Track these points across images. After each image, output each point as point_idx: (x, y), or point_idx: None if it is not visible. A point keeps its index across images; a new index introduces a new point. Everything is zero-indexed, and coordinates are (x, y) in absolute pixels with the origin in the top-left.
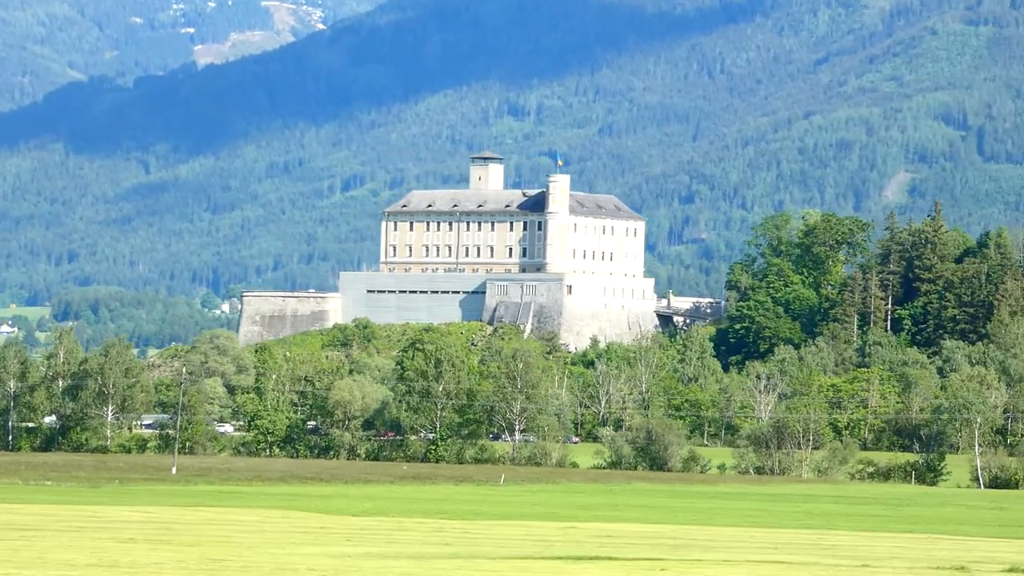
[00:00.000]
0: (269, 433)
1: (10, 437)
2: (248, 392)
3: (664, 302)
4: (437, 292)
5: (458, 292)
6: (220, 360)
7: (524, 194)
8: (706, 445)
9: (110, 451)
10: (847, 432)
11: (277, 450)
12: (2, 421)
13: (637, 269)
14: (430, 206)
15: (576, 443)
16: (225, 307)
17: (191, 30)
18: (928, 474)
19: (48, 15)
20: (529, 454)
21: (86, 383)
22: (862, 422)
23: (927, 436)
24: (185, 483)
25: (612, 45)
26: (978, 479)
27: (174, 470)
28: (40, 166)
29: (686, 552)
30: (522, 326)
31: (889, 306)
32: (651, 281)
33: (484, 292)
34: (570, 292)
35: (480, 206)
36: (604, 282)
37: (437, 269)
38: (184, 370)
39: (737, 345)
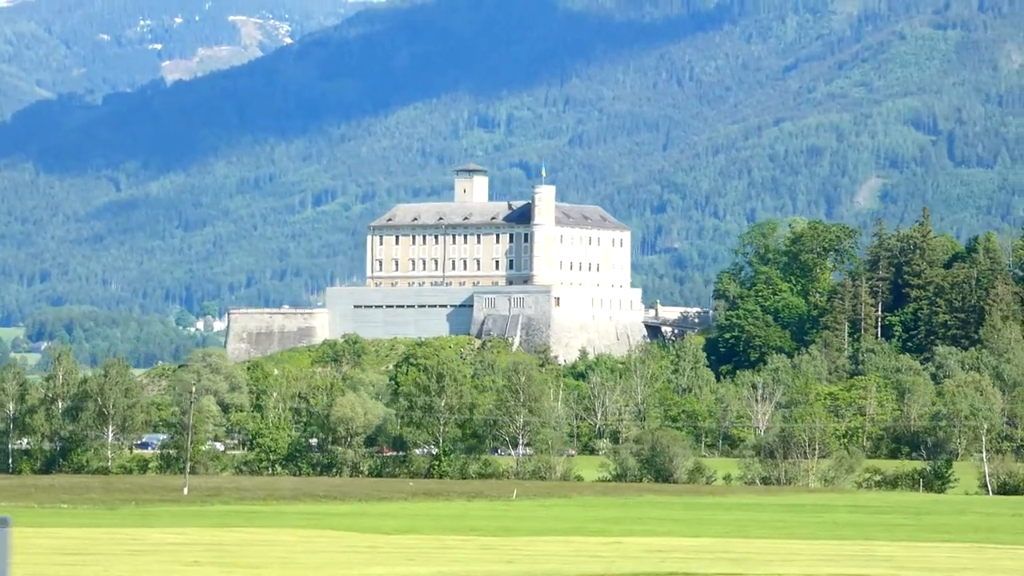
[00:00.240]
0: (271, 451)
1: (10, 460)
2: (242, 410)
3: (652, 312)
4: (424, 306)
5: (445, 306)
6: (213, 378)
7: (510, 206)
8: (704, 456)
9: (111, 472)
10: (846, 440)
11: (279, 468)
12: (1, 444)
13: (624, 279)
14: (415, 220)
15: (573, 456)
16: (200, 324)
17: (158, 46)
18: (936, 481)
19: (15, 33)
20: (533, 468)
21: (86, 404)
22: (860, 430)
23: (930, 443)
24: (200, 503)
25: (581, 55)
26: (986, 485)
27: (185, 491)
28: (10, 185)
29: (756, 567)
30: (510, 339)
31: (879, 313)
32: (638, 291)
33: (472, 305)
34: (558, 304)
35: (466, 219)
36: (592, 293)
37: (424, 283)
38: (193, 389)
39: (727, 354)
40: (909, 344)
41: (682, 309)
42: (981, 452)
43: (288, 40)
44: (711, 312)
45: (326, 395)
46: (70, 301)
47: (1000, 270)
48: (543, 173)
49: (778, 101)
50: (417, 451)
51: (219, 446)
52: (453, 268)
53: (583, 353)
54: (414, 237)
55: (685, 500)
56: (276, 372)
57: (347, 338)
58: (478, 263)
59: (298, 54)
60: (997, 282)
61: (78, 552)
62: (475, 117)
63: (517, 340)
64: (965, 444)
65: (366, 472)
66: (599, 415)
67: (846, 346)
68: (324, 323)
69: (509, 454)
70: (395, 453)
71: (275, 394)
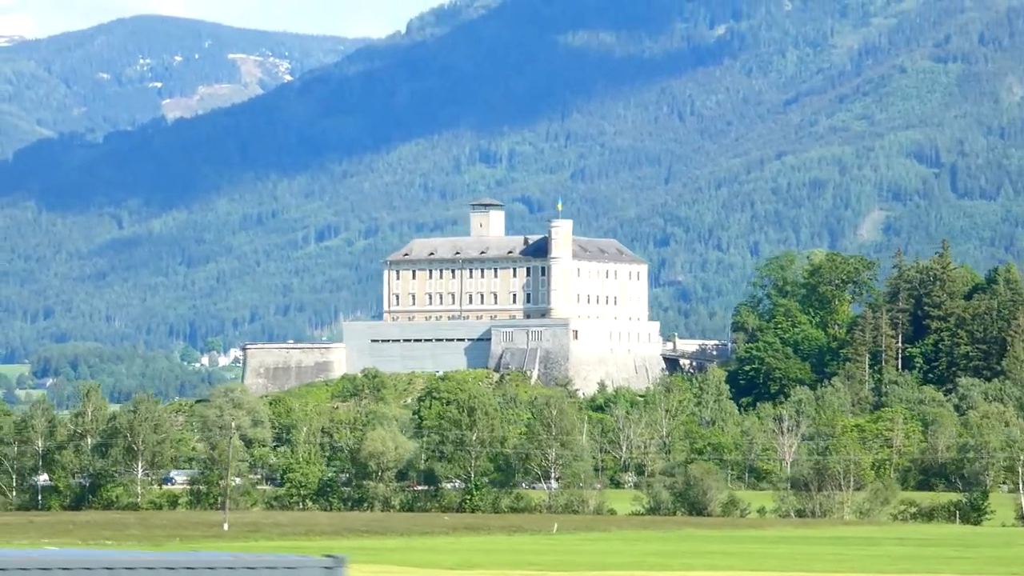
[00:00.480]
0: (302, 486)
1: (39, 496)
2: (264, 445)
3: (670, 345)
4: (442, 340)
5: (463, 340)
6: (235, 413)
7: (526, 240)
8: (731, 488)
9: (140, 508)
10: (874, 472)
11: (310, 503)
12: (32, 480)
13: (641, 312)
14: (432, 254)
15: (599, 489)
16: (205, 360)
17: (159, 84)
18: (972, 513)
19: (15, 73)
20: (565, 501)
21: (115, 440)
22: (887, 462)
23: (966, 475)
24: (244, 539)
25: (582, 90)
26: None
27: (226, 526)
28: (13, 224)
29: None
30: (528, 372)
31: (900, 344)
32: (656, 324)
33: (489, 339)
34: (576, 337)
35: (482, 253)
36: (610, 326)
37: (441, 317)
38: (232, 425)
39: (747, 387)
40: (930, 375)
41: (700, 342)
42: (1017, 483)
43: (288, 77)
44: (729, 344)
45: (349, 430)
46: (74, 338)
47: (1021, 301)
48: (559, 207)
49: (780, 135)
50: (449, 485)
51: (237, 480)
52: (470, 302)
53: (602, 386)
54: (431, 271)
55: (727, 533)
56: (296, 407)
57: (367, 372)
58: (495, 297)
59: (299, 91)
60: (1018, 313)
61: None
62: (477, 152)
63: (535, 373)
64: (993, 476)
65: (397, 506)
66: (624, 448)
67: (867, 378)
68: (341, 358)
69: (533, 487)
70: (425, 487)
71: (305, 429)
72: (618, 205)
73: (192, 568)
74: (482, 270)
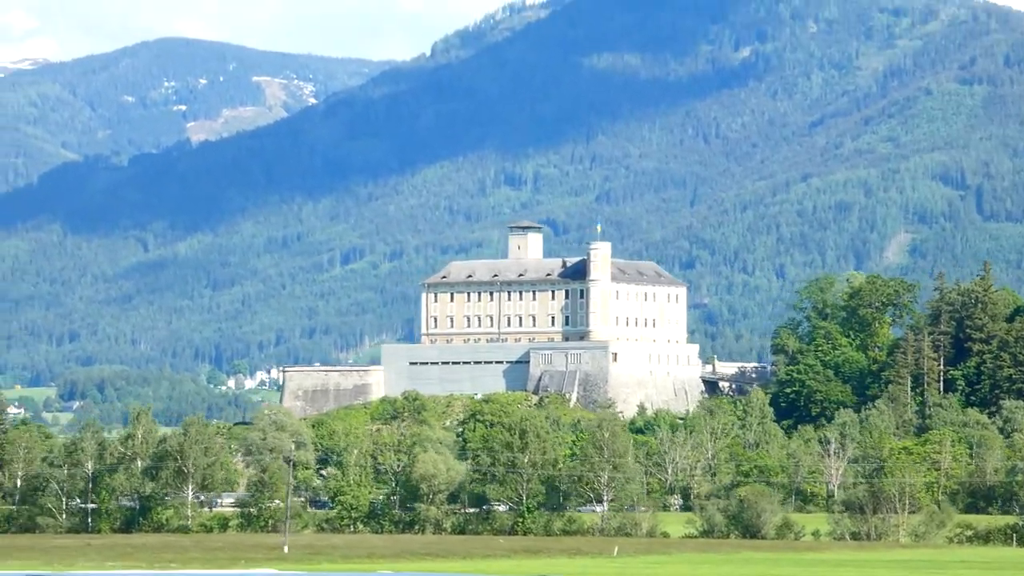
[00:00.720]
0: (352, 509)
1: (88, 519)
2: (308, 467)
3: (709, 368)
4: (480, 363)
5: (501, 362)
6: (279, 436)
7: (564, 263)
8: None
9: (191, 531)
10: (928, 494)
11: (361, 525)
12: (82, 503)
13: (680, 335)
14: (470, 276)
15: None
16: (231, 383)
17: (183, 107)
18: None
19: (40, 95)
20: (619, 524)
21: (165, 463)
22: (935, 484)
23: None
24: (308, 562)
25: (607, 113)
26: None
27: (286, 549)
28: (38, 247)
29: None
30: (567, 395)
31: (942, 367)
32: (696, 347)
33: (528, 362)
34: (615, 359)
35: (520, 275)
36: (649, 349)
37: (479, 339)
38: (293, 448)
39: (788, 409)
40: (972, 398)
41: (739, 364)
42: None
43: (312, 100)
44: (769, 367)
45: (394, 452)
46: (100, 361)
47: None
48: (598, 229)
49: (805, 157)
50: (500, 508)
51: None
52: (508, 324)
53: (641, 408)
54: (468, 294)
55: (788, 556)
56: (339, 429)
57: (407, 395)
58: (533, 319)
59: (324, 114)
60: None
61: None
62: (501, 175)
63: (574, 396)
64: None
65: (449, 529)
66: (669, 471)
67: (910, 400)
68: (380, 380)
69: (579, 510)
70: (475, 510)
71: (356, 452)
72: (643, 228)
73: None
74: (520, 292)
